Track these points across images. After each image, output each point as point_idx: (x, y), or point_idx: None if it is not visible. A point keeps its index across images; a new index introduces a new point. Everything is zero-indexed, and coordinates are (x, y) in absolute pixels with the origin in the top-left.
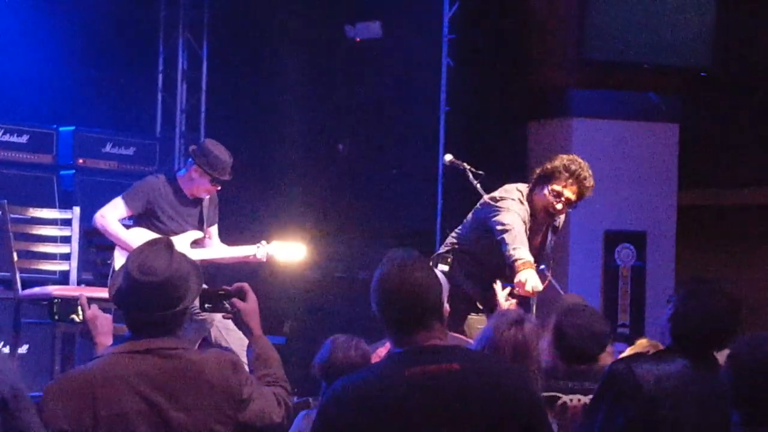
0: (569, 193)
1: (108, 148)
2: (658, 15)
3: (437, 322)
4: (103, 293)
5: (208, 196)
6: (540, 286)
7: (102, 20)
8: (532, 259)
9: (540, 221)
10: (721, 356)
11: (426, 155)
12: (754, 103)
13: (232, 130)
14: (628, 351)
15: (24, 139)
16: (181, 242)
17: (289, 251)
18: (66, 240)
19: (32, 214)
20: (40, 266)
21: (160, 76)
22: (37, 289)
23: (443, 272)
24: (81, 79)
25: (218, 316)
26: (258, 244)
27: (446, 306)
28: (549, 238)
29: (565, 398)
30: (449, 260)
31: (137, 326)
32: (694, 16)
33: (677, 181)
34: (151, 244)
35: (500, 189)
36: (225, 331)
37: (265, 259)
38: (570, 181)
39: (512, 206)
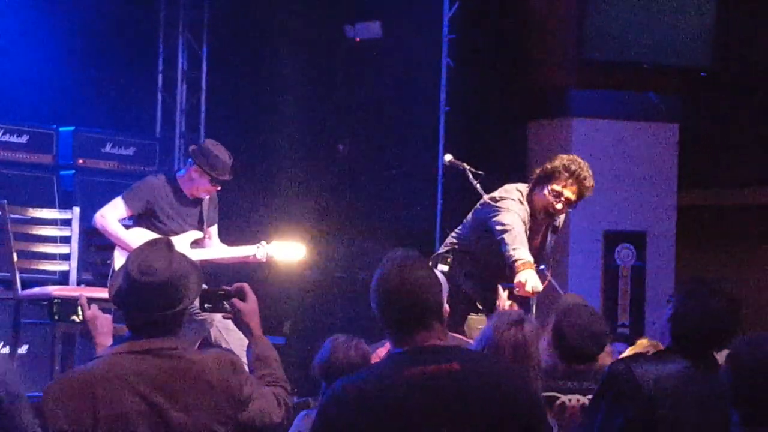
0: (569, 193)
1: (108, 149)
2: (658, 15)
3: (437, 323)
4: (102, 293)
5: (208, 196)
6: (540, 287)
7: (102, 20)
8: (532, 260)
9: (540, 221)
10: (721, 356)
11: (426, 155)
12: (754, 103)
13: (232, 130)
14: (629, 351)
15: (24, 139)
16: (181, 242)
17: (288, 251)
18: (66, 240)
19: (32, 215)
20: (39, 266)
21: (160, 76)
22: (36, 290)
23: (443, 272)
24: (81, 79)
25: (218, 316)
26: (258, 245)
27: (446, 306)
28: (549, 238)
29: (564, 398)
30: (449, 260)
31: (137, 326)
32: (694, 16)
33: (677, 181)
34: (150, 244)
35: (500, 189)
36: (225, 331)
37: (264, 260)
38: (570, 181)
39: (512, 206)
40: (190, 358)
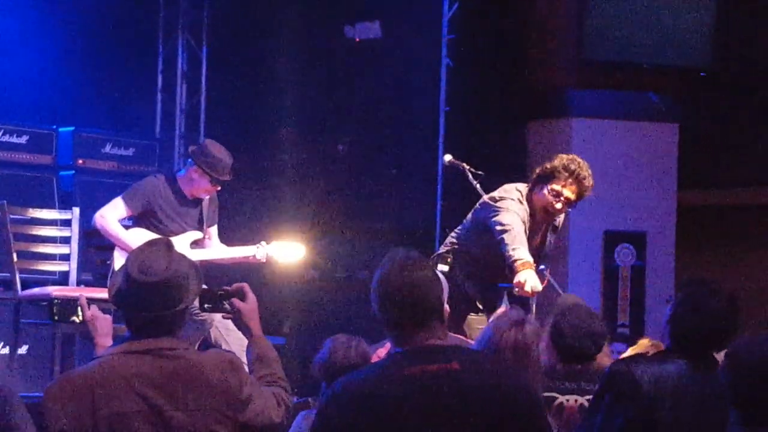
0: (569, 193)
1: (107, 149)
2: (658, 15)
3: (437, 322)
4: (102, 294)
5: (207, 197)
6: (539, 287)
7: (102, 20)
8: (531, 260)
9: (539, 221)
10: (721, 357)
11: (426, 155)
12: (754, 103)
13: (231, 131)
14: (630, 351)
15: (23, 139)
16: (181, 243)
17: (288, 251)
18: (65, 240)
19: (32, 215)
20: (39, 267)
21: (160, 77)
22: (36, 290)
23: (443, 272)
24: (81, 79)
25: (218, 316)
26: (258, 245)
27: (446, 307)
28: (549, 237)
29: (562, 398)
30: (449, 260)
31: (137, 326)
32: (694, 16)
33: (677, 181)
34: (150, 244)
35: (500, 189)
36: (225, 331)
37: (264, 260)
38: (569, 180)
39: (512, 206)
40: (189, 358)
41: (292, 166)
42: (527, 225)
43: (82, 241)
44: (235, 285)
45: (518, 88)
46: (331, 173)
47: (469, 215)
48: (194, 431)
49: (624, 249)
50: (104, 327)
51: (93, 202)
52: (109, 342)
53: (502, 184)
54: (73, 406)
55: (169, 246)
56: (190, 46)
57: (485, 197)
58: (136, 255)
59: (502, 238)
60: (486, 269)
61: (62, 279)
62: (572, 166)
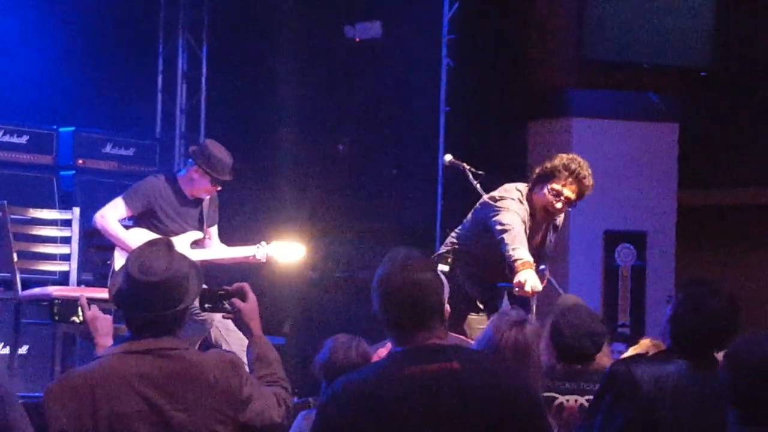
0: (569, 192)
1: (108, 149)
2: (657, 15)
3: (438, 322)
4: (103, 294)
5: (208, 197)
6: (539, 287)
7: (102, 21)
8: (531, 260)
9: (540, 220)
10: (721, 357)
11: (426, 155)
12: (754, 103)
13: (232, 131)
14: (631, 351)
15: (24, 139)
16: (181, 243)
17: (288, 251)
18: (66, 240)
19: (32, 215)
20: (40, 267)
21: (160, 77)
22: (37, 290)
23: (443, 272)
24: (81, 79)
25: (218, 316)
26: (258, 245)
27: (447, 307)
28: (549, 236)
29: (562, 398)
30: (449, 260)
31: (137, 326)
32: (694, 16)
33: (677, 181)
34: (150, 244)
35: (500, 188)
36: (225, 331)
37: (265, 260)
38: (570, 180)
39: (512, 206)
40: (190, 358)
41: (292, 166)
42: (527, 225)
43: (83, 241)
44: (236, 285)
45: (518, 88)
46: (331, 173)
47: (469, 215)
48: (195, 431)
49: (624, 249)
50: (104, 327)
51: (93, 202)
52: (110, 342)
53: (503, 184)
54: (74, 406)
55: (170, 246)
56: (190, 46)
57: (485, 197)
58: (136, 255)
59: (502, 238)
60: (486, 269)
61: (63, 279)
62: (572, 166)
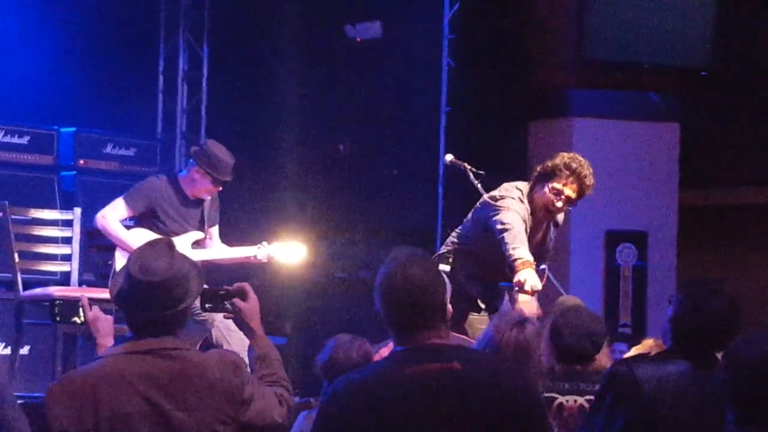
0: (569, 191)
1: (109, 149)
2: (658, 15)
3: (440, 322)
4: (104, 294)
5: (209, 197)
6: (539, 286)
7: (102, 20)
8: (531, 259)
9: (540, 219)
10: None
11: (426, 155)
12: (754, 103)
13: (232, 131)
14: (634, 351)
15: (25, 140)
16: (182, 243)
17: (289, 252)
18: (67, 241)
19: (33, 215)
20: (41, 267)
21: (161, 77)
22: (38, 290)
23: (445, 272)
24: (81, 79)
25: (219, 316)
26: (259, 245)
27: (449, 307)
28: (550, 234)
29: (562, 399)
30: (450, 260)
31: (138, 326)
32: (694, 16)
33: (678, 180)
34: (151, 244)
35: (500, 188)
36: (226, 331)
37: (266, 260)
38: (570, 179)
39: (512, 205)
40: (191, 358)
41: (293, 166)
42: (528, 224)
43: (84, 241)
44: (237, 285)
45: (518, 88)
46: (332, 173)
47: (470, 215)
48: (196, 431)
49: (625, 249)
50: (106, 327)
51: (94, 202)
52: (111, 342)
53: (503, 183)
54: (75, 407)
55: (171, 246)
56: (191, 46)
57: (485, 196)
58: (137, 255)
59: (503, 237)
60: (487, 269)
61: (64, 279)
62: (573, 165)
